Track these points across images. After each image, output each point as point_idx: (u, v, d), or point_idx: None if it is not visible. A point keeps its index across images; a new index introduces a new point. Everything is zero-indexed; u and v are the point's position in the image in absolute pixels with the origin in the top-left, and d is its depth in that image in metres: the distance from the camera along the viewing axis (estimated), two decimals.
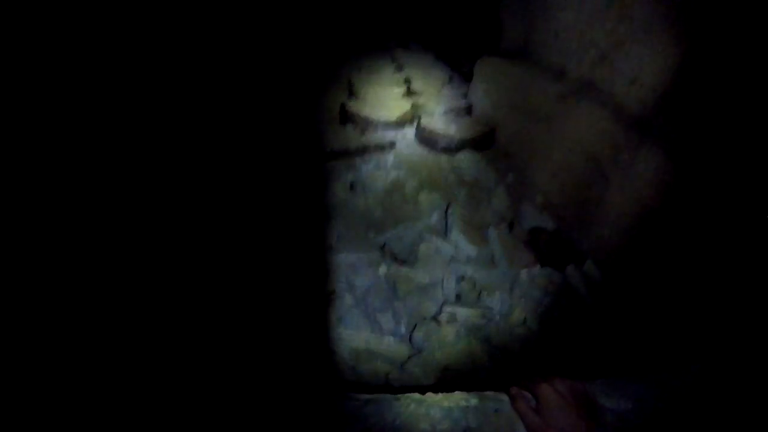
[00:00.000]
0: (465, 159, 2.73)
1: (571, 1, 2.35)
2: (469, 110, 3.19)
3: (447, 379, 1.39)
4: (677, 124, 1.82)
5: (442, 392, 1.08)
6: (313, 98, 3.42)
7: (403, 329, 1.53)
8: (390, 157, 2.71)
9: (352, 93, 3.44)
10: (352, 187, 2.43)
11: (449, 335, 1.46)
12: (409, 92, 3.39)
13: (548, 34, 2.61)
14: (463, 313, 1.54)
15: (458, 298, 1.68)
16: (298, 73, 3.75)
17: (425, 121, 2.89)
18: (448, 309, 1.55)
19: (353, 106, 3.05)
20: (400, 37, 4.69)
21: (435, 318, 1.55)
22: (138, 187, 1.82)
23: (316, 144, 2.82)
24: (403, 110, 3.04)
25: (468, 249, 1.82)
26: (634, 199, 1.92)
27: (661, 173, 1.81)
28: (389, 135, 2.93)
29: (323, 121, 3.18)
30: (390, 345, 1.46)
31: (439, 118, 2.98)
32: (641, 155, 1.90)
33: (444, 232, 1.96)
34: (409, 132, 3.02)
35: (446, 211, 2.09)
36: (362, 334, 1.48)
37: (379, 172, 2.55)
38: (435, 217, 2.04)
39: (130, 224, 1.73)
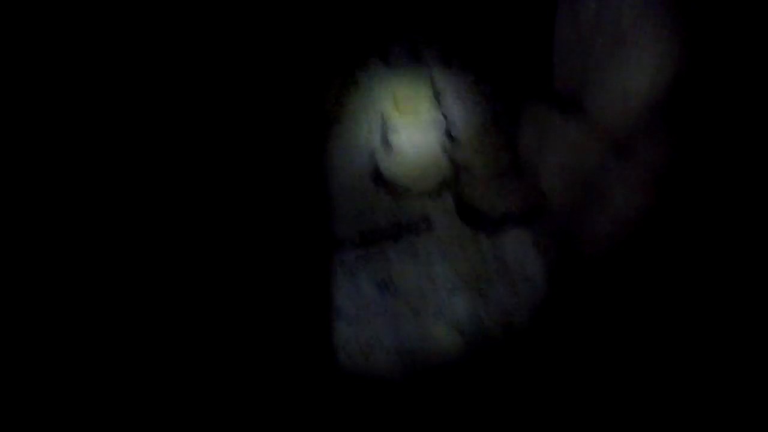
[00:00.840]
0: (511, 246, 2.44)
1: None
2: (517, 168, 2.83)
3: None
4: None
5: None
6: (340, 140, 3.12)
7: None
8: (426, 243, 2.48)
9: (386, 142, 3.16)
10: (381, 287, 2.25)
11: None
12: (449, 137, 3.07)
13: (613, 97, 2.18)
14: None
15: None
16: (316, 100, 3.43)
17: (467, 192, 2.59)
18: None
19: (388, 168, 2.79)
20: (439, 45, 4.24)
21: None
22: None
23: (343, 216, 2.63)
24: (443, 173, 2.75)
25: None
26: None
27: None
28: (427, 207, 2.68)
29: (353, 177, 2.92)
30: None
31: (483, 187, 2.66)
32: None
33: None
34: (448, 202, 2.73)
35: None
36: None
37: (414, 264, 2.35)
38: None
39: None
